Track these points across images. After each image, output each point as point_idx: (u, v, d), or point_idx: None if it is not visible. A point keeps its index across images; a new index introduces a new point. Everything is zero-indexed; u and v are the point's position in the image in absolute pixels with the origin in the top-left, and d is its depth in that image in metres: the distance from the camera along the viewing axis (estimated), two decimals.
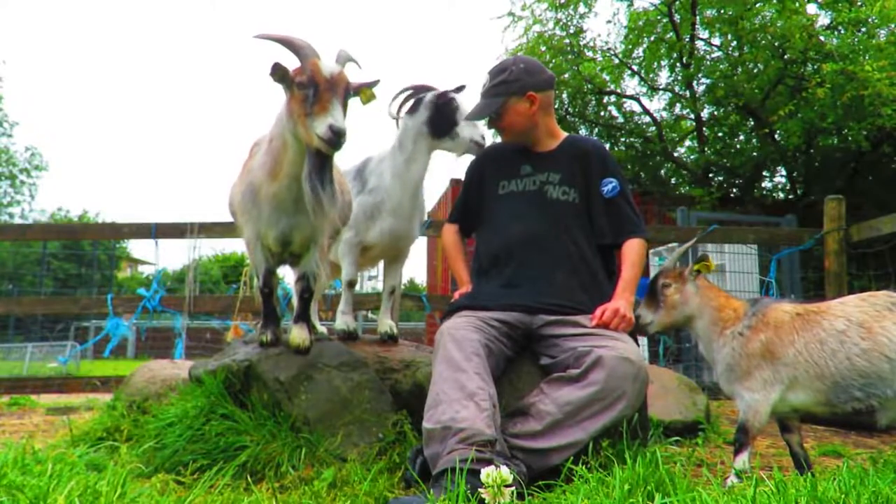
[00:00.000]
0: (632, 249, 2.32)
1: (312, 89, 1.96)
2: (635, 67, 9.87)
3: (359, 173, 2.80)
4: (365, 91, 2.18)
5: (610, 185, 2.33)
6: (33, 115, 63.49)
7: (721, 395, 3.83)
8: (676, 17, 8.94)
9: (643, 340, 6.37)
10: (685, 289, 2.19)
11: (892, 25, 7.28)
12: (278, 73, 2.02)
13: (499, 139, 2.81)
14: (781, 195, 10.93)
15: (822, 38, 8.01)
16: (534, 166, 2.38)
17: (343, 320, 2.75)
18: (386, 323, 2.77)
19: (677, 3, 8.84)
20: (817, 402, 2.00)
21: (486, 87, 2.36)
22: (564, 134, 2.46)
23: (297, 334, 2.32)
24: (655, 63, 9.70)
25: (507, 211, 2.36)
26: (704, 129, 9.90)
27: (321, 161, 2.02)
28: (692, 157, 10.76)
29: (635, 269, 2.30)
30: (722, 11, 8.50)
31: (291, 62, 2.05)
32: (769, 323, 2.06)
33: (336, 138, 1.92)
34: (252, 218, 2.29)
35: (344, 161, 2.84)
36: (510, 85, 2.31)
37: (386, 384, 2.36)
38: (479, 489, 1.48)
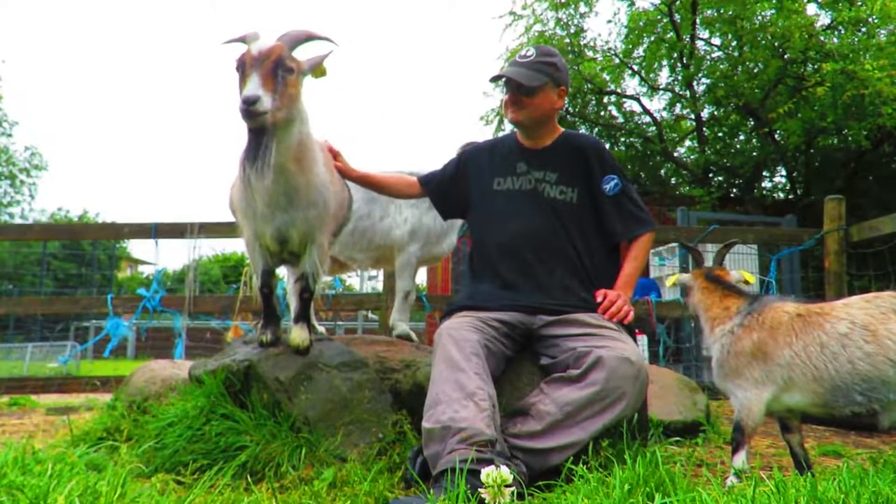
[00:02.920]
0: (636, 244, 2.34)
1: (241, 70, 1.97)
2: (635, 67, 9.87)
3: None
4: (319, 67, 2.15)
5: (612, 183, 2.31)
6: (33, 114, 63.52)
7: (721, 395, 3.83)
8: (677, 17, 8.94)
9: (643, 340, 6.38)
10: (691, 292, 2.33)
11: (893, 25, 7.29)
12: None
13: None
14: (781, 195, 10.94)
15: (822, 37, 8.01)
16: (529, 164, 2.36)
17: (403, 327, 3.07)
18: (400, 325, 3.06)
19: (677, 2, 8.84)
20: (814, 403, 1.98)
21: (531, 60, 2.29)
22: (561, 130, 2.44)
23: (297, 334, 2.31)
24: (655, 63, 9.71)
25: (502, 209, 2.35)
26: (704, 129, 9.91)
27: (254, 137, 1.99)
28: (692, 157, 10.77)
29: (635, 264, 2.32)
30: (722, 11, 8.50)
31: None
32: (765, 323, 2.05)
33: (245, 106, 1.89)
34: (248, 217, 2.27)
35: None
36: (556, 71, 2.30)
37: (386, 384, 2.36)
38: (480, 489, 1.48)
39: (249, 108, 1.88)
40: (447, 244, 3.12)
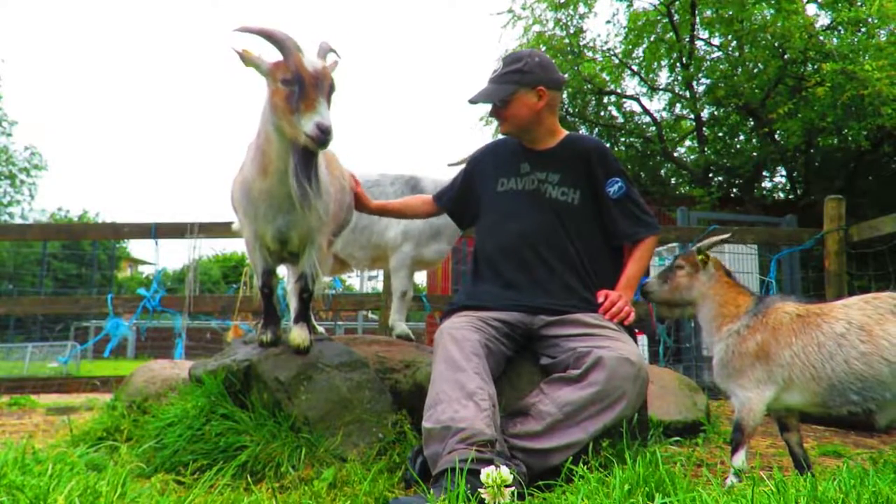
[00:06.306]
0: (639, 247, 2.34)
1: (298, 86, 1.95)
2: (635, 67, 9.88)
3: (413, 189, 3.08)
4: None
5: (616, 186, 2.32)
6: (32, 114, 63.52)
7: (721, 395, 3.83)
8: (676, 18, 8.94)
9: (643, 340, 6.38)
10: (696, 275, 2.23)
11: (892, 25, 7.29)
12: (249, 62, 2.03)
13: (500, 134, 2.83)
14: (781, 195, 10.95)
15: (821, 37, 8.02)
16: (532, 164, 2.37)
17: (402, 327, 3.09)
18: (399, 325, 3.11)
19: (677, 3, 8.84)
20: (812, 403, 1.99)
21: (498, 73, 2.32)
22: (564, 132, 2.44)
23: (298, 334, 2.31)
24: (655, 63, 9.71)
25: (505, 209, 2.36)
26: (704, 129, 9.91)
27: (308, 157, 2.02)
28: (692, 157, 10.78)
29: (638, 265, 2.33)
30: (721, 12, 8.50)
31: (269, 54, 2.04)
32: (768, 324, 2.05)
33: (324, 136, 1.92)
34: (249, 216, 2.28)
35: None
36: (523, 75, 2.28)
37: (386, 384, 2.36)
38: (480, 489, 1.48)
39: (328, 139, 1.93)
40: (441, 247, 3.12)
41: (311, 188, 2.03)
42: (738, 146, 10.01)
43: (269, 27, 2.00)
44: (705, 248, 2.22)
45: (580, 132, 9.63)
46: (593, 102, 10.34)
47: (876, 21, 7.33)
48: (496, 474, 1.46)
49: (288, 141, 2.04)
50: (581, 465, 1.70)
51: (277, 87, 1.99)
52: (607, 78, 9.77)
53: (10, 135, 23.08)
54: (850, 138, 7.97)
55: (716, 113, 9.89)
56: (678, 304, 2.27)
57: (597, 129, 10.45)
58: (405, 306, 3.15)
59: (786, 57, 8.16)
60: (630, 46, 9.67)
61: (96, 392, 4.45)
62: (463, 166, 2.90)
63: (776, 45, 8.16)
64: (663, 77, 10.12)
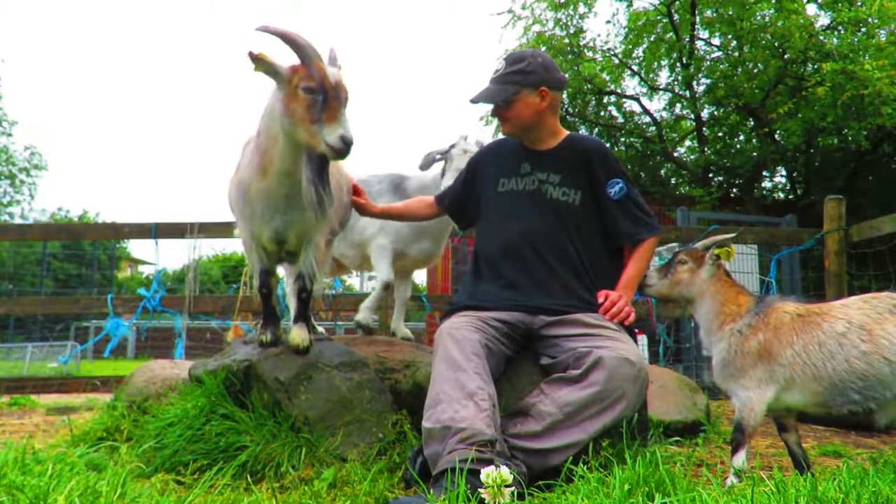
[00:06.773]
0: (640, 247, 2.34)
1: (321, 96, 1.94)
2: (635, 67, 9.88)
3: (396, 188, 3.07)
4: None
5: (617, 187, 2.32)
6: (33, 114, 63.52)
7: (721, 395, 3.83)
8: (676, 18, 8.94)
9: (643, 340, 6.38)
10: (698, 271, 2.20)
11: (892, 25, 7.29)
12: (262, 65, 1.99)
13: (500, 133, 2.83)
14: (781, 195, 10.95)
15: (821, 37, 8.02)
16: (533, 165, 2.37)
17: (366, 315, 3.01)
18: (402, 329, 3.14)
19: (677, 3, 8.84)
20: (813, 402, 2.00)
21: (500, 73, 2.31)
22: (565, 132, 2.44)
23: (297, 334, 2.31)
24: (655, 63, 9.71)
25: (505, 209, 2.36)
26: (704, 129, 9.91)
27: (322, 165, 2.03)
28: (692, 157, 10.78)
29: (638, 266, 2.32)
30: (721, 12, 8.51)
31: (283, 57, 2.02)
32: (769, 324, 2.05)
33: (346, 149, 1.94)
34: (245, 217, 2.28)
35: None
36: (526, 76, 2.28)
37: (386, 384, 2.36)
38: (479, 489, 1.48)
39: (349, 151, 1.95)
40: (423, 246, 3.08)
41: (326, 195, 2.05)
42: (738, 146, 10.02)
43: (290, 31, 1.98)
44: (718, 244, 2.19)
45: (580, 132, 9.63)
46: (593, 102, 10.34)
47: (876, 21, 7.33)
48: (496, 474, 1.46)
49: (300, 147, 2.04)
50: (581, 465, 1.70)
51: (297, 94, 1.97)
52: (607, 78, 9.77)
53: (10, 135, 23.06)
54: (850, 138, 7.98)
55: (716, 113, 9.89)
56: (676, 300, 2.27)
57: (597, 129, 10.45)
58: (404, 304, 3.15)
59: (786, 57, 8.17)
60: (630, 46, 9.68)
61: (96, 392, 4.46)
62: (439, 164, 2.92)
63: (776, 45, 8.16)
64: (663, 77, 10.13)
